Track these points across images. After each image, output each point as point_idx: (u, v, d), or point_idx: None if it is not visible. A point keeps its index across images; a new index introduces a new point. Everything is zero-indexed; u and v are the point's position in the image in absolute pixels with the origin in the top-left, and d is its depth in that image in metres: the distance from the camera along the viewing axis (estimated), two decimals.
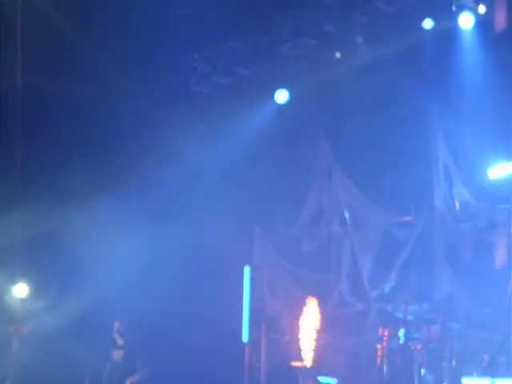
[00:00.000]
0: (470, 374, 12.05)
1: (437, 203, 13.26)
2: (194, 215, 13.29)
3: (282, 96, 13.65)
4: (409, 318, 12.85)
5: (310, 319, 13.22)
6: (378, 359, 12.55)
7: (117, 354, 11.14)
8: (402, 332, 12.63)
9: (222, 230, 13.28)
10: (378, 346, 12.61)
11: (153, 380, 11.17)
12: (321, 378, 12.74)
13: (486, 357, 11.74)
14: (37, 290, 12.70)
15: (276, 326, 13.62)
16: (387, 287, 13.21)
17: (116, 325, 11.31)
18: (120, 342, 11.23)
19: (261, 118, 13.68)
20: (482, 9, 12.64)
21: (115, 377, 11.04)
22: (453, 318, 12.69)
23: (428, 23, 12.75)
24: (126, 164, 12.79)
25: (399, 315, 13.00)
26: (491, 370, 10.85)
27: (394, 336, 12.60)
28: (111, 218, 12.54)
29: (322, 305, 13.35)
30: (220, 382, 12.64)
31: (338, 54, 13.31)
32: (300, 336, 13.17)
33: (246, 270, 13.72)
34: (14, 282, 12.55)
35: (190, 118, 12.95)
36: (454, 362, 12.13)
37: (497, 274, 12.64)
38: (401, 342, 12.55)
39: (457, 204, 13.29)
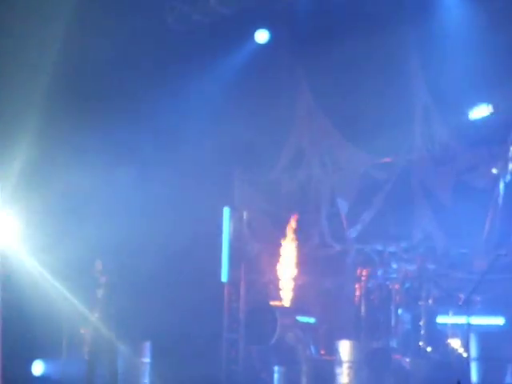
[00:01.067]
0: (446, 312, 12.25)
1: (416, 144, 13.29)
2: (175, 157, 13.24)
3: (262, 36, 13.55)
4: (387, 258, 12.96)
5: (288, 259, 13.31)
6: (356, 299, 12.69)
7: (99, 293, 11.21)
8: (380, 272, 12.75)
9: (203, 172, 13.27)
10: (356, 286, 12.73)
11: (127, 318, 11.23)
12: (299, 318, 12.87)
13: (461, 296, 11.89)
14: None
15: (255, 266, 13.71)
16: (365, 227, 13.29)
17: (97, 263, 11.36)
18: (101, 279, 11.29)
19: (241, 58, 13.59)
20: None
21: (102, 315, 11.09)
22: (430, 258, 12.81)
23: None
24: (106, 104, 12.68)
25: (377, 255, 13.11)
26: (467, 309, 10.99)
27: (371, 276, 12.73)
28: (98, 161, 12.51)
29: (301, 245, 13.43)
30: (199, 321, 12.73)
31: None
32: (279, 276, 13.27)
33: (226, 210, 13.77)
34: None
35: (167, 56, 12.81)
36: (430, 301, 12.29)
37: (474, 215, 12.74)
38: (379, 281, 12.67)
39: (437, 145, 13.32)
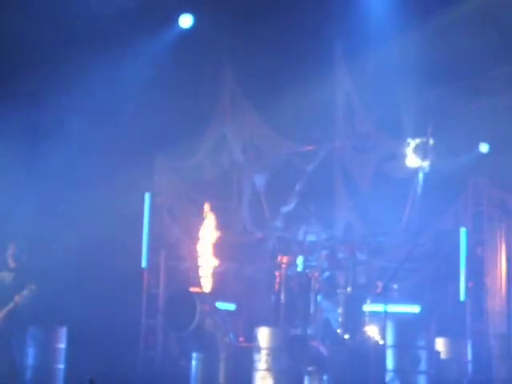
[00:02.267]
0: (364, 300, 12.38)
1: (338, 133, 13.38)
2: (96, 142, 13.03)
3: (186, 21, 13.43)
4: (307, 245, 13.02)
5: (209, 246, 13.26)
6: (276, 286, 12.71)
7: (7, 276, 10.95)
8: (300, 260, 12.80)
9: (122, 157, 13.09)
10: (277, 273, 12.76)
11: (46, 298, 11.03)
12: (219, 304, 12.83)
13: (379, 284, 12.03)
14: None
15: (175, 253, 13.64)
16: (286, 215, 13.32)
17: (10, 247, 11.09)
18: (12, 264, 11.03)
19: (164, 43, 13.45)
20: None
21: (2, 299, 10.85)
22: (348, 246, 12.92)
23: None
24: (25, 87, 12.41)
25: (298, 243, 13.16)
26: (384, 297, 11.12)
27: (292, 263, 12.77)
28: (21, 139, 12.31)
29: (222, 232, 13.39)
30: (118, 307, 12.59)
31: None
32: (199, 262, 13.21)
33: (147, 196, 13.65)
34: None
35: (89, 40, 12.60)
36: (349, 289, 12.41)
37: (393, 204, 12.90)
38: (298, 269, 12.73)
39: (358, 134, 13.43)
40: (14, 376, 10.68)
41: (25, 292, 10.69)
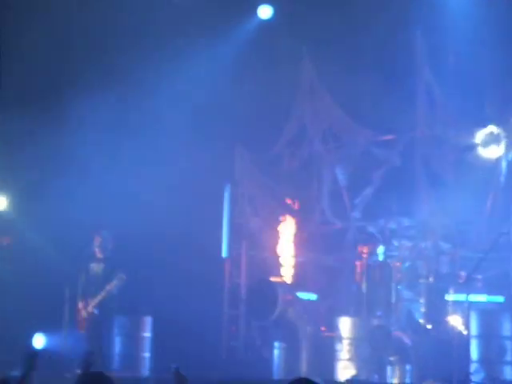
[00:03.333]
0: (446, 290, 12.27)
1: (418, 122, 13.26)
2: (177, 134, 13.19)
3: (265, 11, 13.47)
4: (388, 235, 12.95)
5: (289, 236, 13.31)
6: (357, 276, 12.69)
7: (96, 267, 11.21)
8: (380, 249, 12.75)
9: (203, 148, 13.20)
10: (357, 263, 12.74)
11: (131, 288, 11.26)
12: (300, 294, 12.88)
13: (463, 274, 11.90)
14: (17, 202, 12.69)
15: (256, 243, 13.70)
16: (367, 205, 13.27)
17: (96, 238, 11.34)
18: (99, 255, 11.28)
19: (243, 34, 13.52)
20: None
21: (92, 288, 11.12)
22: (431, 236, 12.81)
23: None
24: (106, 76, 12.62)
25: (379, 233, 13.10)
26: (467, 287, 11.01)
27: (372, 253, 12.73)
28: (101, 135, 12.54)
29: (302, 222, 13.42)
30: (200, 298, 12.71)
31: None
32: (280, 252, 13.27)
33: (227, 187, 13.76)
34: None
35: (169, 31, 12.74)
36: (431, 279, 12.30)
37: (476, 193, 12.73)
38: (380, 259, 12.68)
39: (439, 123, 13.29)
40: (98, 364, 10.93)
41: (115, 281, 10.93)
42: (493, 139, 12.87)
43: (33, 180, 12.33)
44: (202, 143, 13.27)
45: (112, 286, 10.99)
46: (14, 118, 11.75)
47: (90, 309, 11.05)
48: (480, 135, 13.12)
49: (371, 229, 13.12)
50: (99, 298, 11.03)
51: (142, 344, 12.05)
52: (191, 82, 13.19)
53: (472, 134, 13.18)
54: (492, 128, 12.75)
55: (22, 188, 12.46)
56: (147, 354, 12.05)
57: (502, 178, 12.84)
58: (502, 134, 12.71)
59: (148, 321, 12.10)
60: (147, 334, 12.09)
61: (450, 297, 12.15)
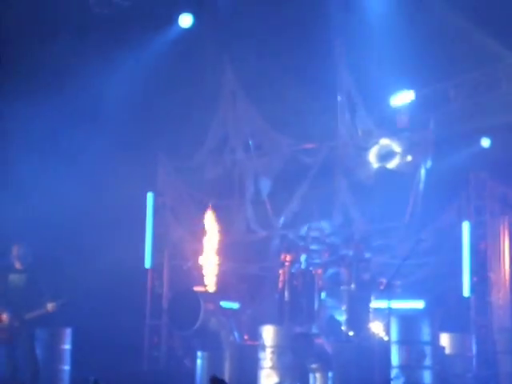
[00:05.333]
0: (368, 297, 12.39)
1: (340, 131, 13.39)
2: (96, 143, 13.05)
3: (185, 20, 13.43)
4: (310, 243, 13.03)
5: (212, 245, 13.27)
6: (280, 284, 12.73)
7: (17, 279, 10.95)
8: (303, 257, 12.82)
9: (125, 157, 13.10)
10: (280, 272, 12.77)
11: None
12: (223, 303, 12.85)
13: (383, 281, 12.04)
14: None
15: (179, 252, 13.64)
16: (290, 213, 13.34)
17: (14, 249, 11.11)
18: (19, 266, 11.04)
19: (164, 43, 13.46)
20: None
21: (20, 301, 10.83)
22: (352, 244, 12.93)
23: None
24: (22, 92, 12.42)
25: (301, 241, 13.17)
26: (388, 293, 11.13)
27: (295, 261, 12.78)
28: (16, 145, 12.31)
29: (225, 231, 13.40)
30: (122, 308, 12.61)
31: None
32: (203, 262, 13.22)
33: (149, 196, 13.67)
34: None
35: (89, 40, 12.63)
36: (352, 286, 12.41)
37: (396, 200, 12.91)
38: (302, 267, 12.74)
39: (359, 131, 13.45)
40: (38, 376, 10.72)
41: (59, 302, 10.67)
42: (412, 146, 13.10)
43: None
44: (124, 152, 13.17)
45: (54, 306, 10.68)
46: None
47: (6, 323, 10.78)
48: (400, 143, 13.35)
49: (294, 237, 13.19)
50: (38, 313, 10.73)
51: (62, 356, 11.86)
52: (113, 90, 13.09)
53: (393, 142, 13.38)
54: (410, 135, 12.99)
55: None
56: (67, 367, 11.87)
57: (421, 185, 13.05)
58: (420, 141, 12.94)
59: (67, 333, 11.91)
60: (67, 346, 11.90)
61: (371, 303, 12.29)
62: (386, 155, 13.10)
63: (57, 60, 12.73)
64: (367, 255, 12.72)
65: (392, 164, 13.14)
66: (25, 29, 12.25)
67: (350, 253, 12.62)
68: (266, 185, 13.34)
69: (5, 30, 12.24)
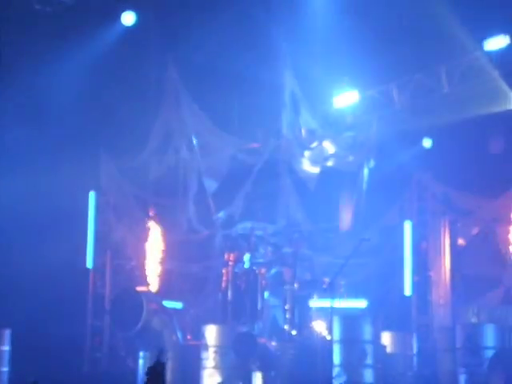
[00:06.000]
0: (311, 296, 12.44)
1: (284, 131, 13.42)
2: (37, 140, 12.86)
3: (128, 18, 13.31)
4: (253, 242, 13.02)
5: (155, 245, 13.19)
6: (223, 283, 12.70)
7: None
8: (247, 257, 12.81)
9: (66, 155, 12.93)
10: (224, 271, 12.75)
11: None
12: (166, 303, 12.77)
13: (326, 280, 12.08)
14: None
15: (121, 252, 13.50)
16: (233, 212, 13.31)
17: None
18: None
19: (106, 40, 13.32)
20: None
21: None
22: (294, 243, 12.96)
23: None
24: None
25: (244, 240, 13.16)
26: (331, 292, 11.16)
27: (239, 260, 12.77)
28: None
29: (168, 230, 13.32)
30: (63, 309, 12.45)
31: None
32: (145, 261, 13.13)
33: (91, 195, 13.51)
34: None
35: (32, 38, 12.45)
36: (296, 285, 12.44)
37: (339, 199, 12.99)
38: (246, 266, 12.73)
39: (303, 132, 13.49)
40: None
41: None
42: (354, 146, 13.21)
43: None
44: (66, 151, 13.00)
45: None
46: None
47: None
48: (343, 142, 13.43)
49: (237, 236, 13.17)
50: None
51: (0, 358, 11.66)
52: (56, 87, 12.91)
53: (336, 141, 13.46)
54: (353, 135, 13.08)
55: None
56: (5, 369, 11.67)
57: (365, 185, 13.15)
58: (362, 141, 13.03)
59: (6, 334, 11.71)
60: (5, 348, 11.70)
61: (314, 302, 12.33)
62: (326, 156, 13.19)
63: (3, 54, 12.53)
64: (309, 254, 12.76)
65: (332, 163, 13.21)
66: None
67: (291, 252, 12.65)
68: (210, 184, 13.30)
69: None
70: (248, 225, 13.14)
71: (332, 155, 13.39)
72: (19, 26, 12.74)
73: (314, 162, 13.34)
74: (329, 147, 13.40)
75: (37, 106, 12.91)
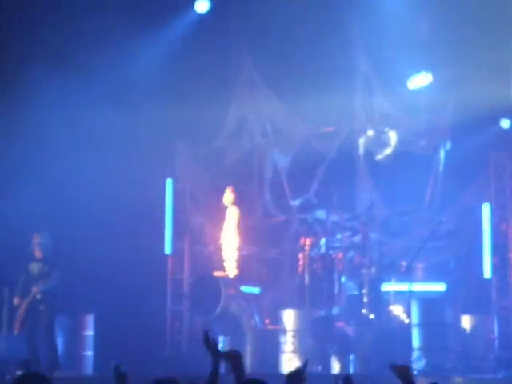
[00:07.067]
0: (388, 280, 12.40)
1: (357, 114, 13.35)
2: (115, 130, 13.06)
3: (202, 5, 13.40)
4: (330, 227, 13.03)
5: (232, 230, 13.29)
6: (300, 268, 12.76)
7: (36, 267, 11.05)
8: (323, 241, 12.83)
9: (143, 144, 13.12)
10: (300, 256, 12.80)
11: (72, 286, 11.15)
12: (243, 288, 12.89)
13: (403, 263, 12.03)
14: None
15: (199, 238, 13.64)
16: (309, 197, 13.33)
17: (35, 238, 11.18)
18: (38, 254, 11.12)
19: (180, 28, 13.43)
20: None
21: (30, 288, 10.96)
22: (372, 226, 12.93)
23: None
24: (36, 77, 12.43)
25: (320, 225, 13.17)
26: (409, 276, 11.13)
27: (315, 245, 12.80)
28: (40, 131, 12.36)
29: (244, 215, 13.41)
30: (143, 294, 12.65)
31: None
32: (222, 246, 13.25)
33: (168, 182, 13.69)
34: None
35: (106, 27, 12.61)
36: (373, 269, 12.42)
37: (416, 182, 12.89)
38: (322, 250, 12.75)
39: (377, 115, 13.40)
40: (57, 363, 10.84)
41: (41, 283, 10.80)
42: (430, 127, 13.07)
43: None
44: (141, 139, 13.18)
45: (38, 287, 10.83)
46: None
47: (21, 309, 10.89)
48: (419, 124, 13.30)
49: (313, 221, 13.19)
50: (27, 301, 10.86)
51: (85, 343, 11.95)
52: (130, 76, 13.06)
53: (411, 124, 13.33)
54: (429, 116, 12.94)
55: None
56: (90, 353, 11.96)
57: (441, 167, 13.02)
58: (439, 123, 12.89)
59: (90, 319, 12.00)
60: (90, 333, 11.99)
61: (392, 286, 12.29)
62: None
63: (80, 41, 12.74)
64: (388, 238, 12.71)
65: (412, 146, 13.10)
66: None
67: (371, 236, 12.63)
68: (282, 161, 13.32)
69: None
70: (323, 213, 13.13)
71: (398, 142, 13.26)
72: (89, 17, 12.89)
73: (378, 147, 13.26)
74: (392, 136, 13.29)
75: (111, 93, 13.06)
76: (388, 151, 13.36)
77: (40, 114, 12.42)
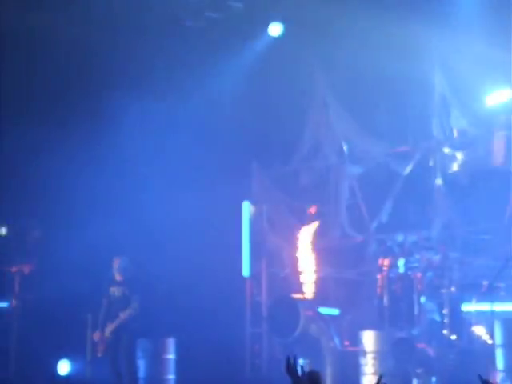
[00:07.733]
0: (469, 300, 12.19)
1: (434, 132, 13.23)
2: (191, 153, 13.23)
3: (275, 29, 13.48)
4: (408, 247, 12.91)
5: (309, 252, 13.28)
6: (379, 289, 12.65)
7: (116, 291, 11.25)
8: (401, 261, 12.71)
9: (220, 167, 13.25)
10: (378, 276, 12.70)
11: (153, 310, 11.30)
12: (321, 309, 12.85)
13: (485, 283, 11.83)
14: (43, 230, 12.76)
15: (276, 260, 13.68)
16: (385, 217, 13.24)
17: (115, 262, 11.39)
18: (119, 278, 11.31)
19: (255, 52, 13.54)
20: None
21: (111, 312, 11.18)
22: (451, 246, 12.76)
23: None
24: (120, 103, 12.69)
25: (398, 245, 13.06)
26: (490, 296, 10.94)
27: (393, 266, 12.69)
28: (123, 158, 12.60)
29: (321, 237, 13.39)
30: (222, 317, 12.74)
31: None
32: (300, 269, 13.24)
33: (245, 205, 13.76)
34: None
35: (183, 53, 12.82)
36: (453, 289, 12.24)
37: (495, 200, 12.66)
38: (400, 271, 12.64)
39: (454, 132, 13.25)
40: None
41: (128, 310, 10.99)
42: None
43: (57, 209, 12.42)
44: (217, 162, 13.31)
45: (126, 314, 11.04)
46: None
47: (106, 333, 11.11)
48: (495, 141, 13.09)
49: (391, 243, 13.08)
50: (114, 324, 11.08)
51: (166, 366, 12.06)
52: (206, 99, 13.24)
53: (488, 141, 13.14)
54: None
55: (48, 216, 12.55)
56: (172, 376, 12.06)
57: None
58: None
59: (171, 342, 12.11)
60: (171, 356, 12.10)
61: (473, 306, 12.09)
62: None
63: (159, 69, 12.98)
64: (468, 257, 12.51)
65: (490, 162, 12.90)
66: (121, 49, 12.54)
67: (451, 256, 12.46)
68: (364, 194, 13.29)
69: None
70: (401, 236, 13.02)
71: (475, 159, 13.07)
72: (168, 42, 13.11)
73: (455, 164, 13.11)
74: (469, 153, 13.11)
75: (189, 123, 13.25)
76: (465, 168, 13.19)
77: (123, 139, 12.67)
